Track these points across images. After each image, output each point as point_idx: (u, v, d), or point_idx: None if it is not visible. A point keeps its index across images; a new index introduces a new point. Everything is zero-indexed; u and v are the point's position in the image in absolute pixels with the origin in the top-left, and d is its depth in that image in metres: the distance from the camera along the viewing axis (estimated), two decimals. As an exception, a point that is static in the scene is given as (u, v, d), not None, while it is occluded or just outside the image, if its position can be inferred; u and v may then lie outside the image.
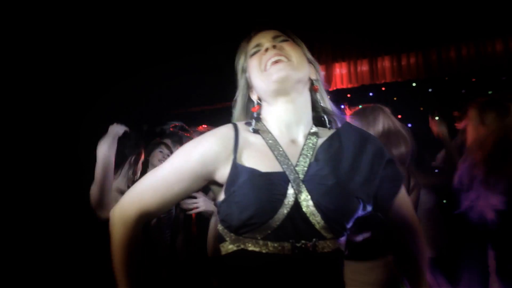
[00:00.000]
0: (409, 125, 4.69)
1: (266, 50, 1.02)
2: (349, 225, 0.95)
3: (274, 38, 1.07)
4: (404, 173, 1.09)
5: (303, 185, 0.91)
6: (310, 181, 0.92)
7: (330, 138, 1.03)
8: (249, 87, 1.11)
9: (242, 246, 0.90)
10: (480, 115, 1.84)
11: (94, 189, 1.95)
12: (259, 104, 1.08)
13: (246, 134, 1.02)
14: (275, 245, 0.87)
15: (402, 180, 1.06)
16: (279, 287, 0.87)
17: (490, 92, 4.27)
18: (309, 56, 1.10)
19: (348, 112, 2.04)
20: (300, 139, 1.02)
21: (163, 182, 0.97)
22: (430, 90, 4.77)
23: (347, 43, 4.57)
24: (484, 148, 1.77)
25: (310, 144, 1.00)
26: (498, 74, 4.30)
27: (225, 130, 1.02)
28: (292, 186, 0.90)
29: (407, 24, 4.19)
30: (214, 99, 4.89)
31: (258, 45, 1.07)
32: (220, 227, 0.97)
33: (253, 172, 0.92)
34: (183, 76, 4.66)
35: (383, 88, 4.94)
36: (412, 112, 4.76)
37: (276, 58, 1.00)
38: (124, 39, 4.17)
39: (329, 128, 1.07)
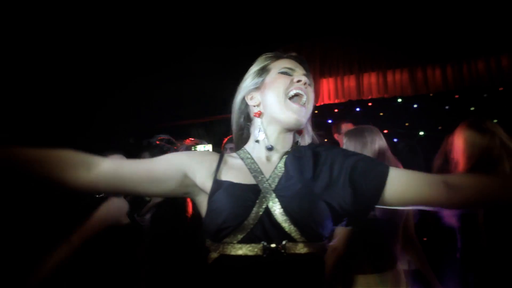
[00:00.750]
0: (395, 140, 4.77)
1: (298, 81, 1.12)
2: (321, 229, 0.98)
3: (305, 75, 1.17)
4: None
5: (273, 193, 1.01)
6: (279, 190, 1.02)
7: (293, 152, 1.13)
8: (256, 89, 1.17)
9: (222, 252, 0.99)
10: (463, 133, 1.99)
11: None
12: (258, 111, 1.17)
13: (228, 158, 1.15)
14: (249, 247, 0.96)
15: (380, 168, 1.04)
16: (255, 287, 0.94)
17: (472, 108, 4.38)
18: None
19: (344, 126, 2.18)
20: (276, 158, 1.13)
21: (151, 160, 1.10)
22: (415, 106, 4.88)
23: (334, 59, 4.64)
24: (455, 161, 1.95)
25: (283, 161, 1.10)
26: (479, 91, 4.44)
27: (213, 153, 1.17)
28: (263, 194, 1.01)
29: (393, 42, 4.30)
30: (201, 113, 4.89)
31: (291, 69, 1.16)
32: (206, 240, 1.05)
33: (228, 183, 1.04)
34: (170, 89, 4.67)
35: (370, 104, 5.03)
36: (397, 127, 4.84)
37: (301, 92, 1.11)
38: (112, 52, 4.17)
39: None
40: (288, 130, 1.14)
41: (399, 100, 4.89)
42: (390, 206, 1.05)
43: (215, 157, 1.13)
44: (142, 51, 4.34)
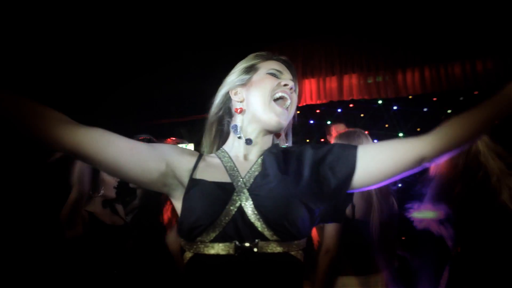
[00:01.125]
0: (375, 140, 4.85)
1: (285, 85, 1.14)
2: (295, 228, 0.97)
3: (292, 80, 1.18)
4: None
5: (247, 192, 1.00)
6: (254, 189, 1.01)
7: (269, 149, 1.13)
8: (242, 85, 1.17)
9: (195, 251, 0.98)
10: None
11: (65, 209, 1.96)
12: (241, 108, 1.16)
13: (206, 157, 1.15)
14: (222, 246, 0.95)
15: (348, 153, 1.04)
16: (227, 286, 0.94)
17: (449, 111, 4.51)
18: None
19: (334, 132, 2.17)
20: (254, 157, 1.13)
21: (136, 142, 1.06)
22: (395, 108, 4.97)
23: (316, 60, 4.68)
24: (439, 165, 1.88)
25: (260, 160, 1.10)
26: (456, 94, 4.57)
27: (192, 151, 1.17)
28: (237, 192, 1.00)
29: (374, 45, 4.38)
30: (183, 112, 4.85)
31: (279, 71, 1.17)
32: (181, 240, 1.04)
33: (203, 182, 1.03)
34: (152, 89, 4.61)
35: (351, 105, 5.09)
36: (377, 128, 4.93)
37: (287, 96, 1.13)
38: (94, 53, 4.09)
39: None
40: (268, 131, 1.14)
41: (379, 102, 4.98)
42: (371, 183, 1.04)
43: (194, 155, 1.13)
44: (124, 52, 4.27)
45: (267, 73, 1.15)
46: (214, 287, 0.95)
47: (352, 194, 1.09)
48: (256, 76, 1.16)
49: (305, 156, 1.07)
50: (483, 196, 1.74)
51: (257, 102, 1.11)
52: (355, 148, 1.05)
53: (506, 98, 0.93)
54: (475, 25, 3.90)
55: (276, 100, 1.12)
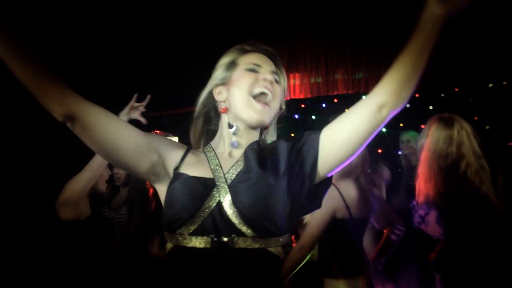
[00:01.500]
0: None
1: (265, 79, 1.11)
2: (274, 225, 0.98)
3: (272, 73, 1.15)
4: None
5: (227, 188, 1.01)
6: (234, 185, 1.02)
7: (250, 145, 1.13)
8: (223, 84, 1.16)
9: (175, 243, 1.00)
10: (429, 129, 1.95)
11: (76, 185, 1.91)
12: (223, 107, 1.16)
13: (193, 152, 1.15)
14: (199, 239, 0.97)
15: (311, 138, 1.06)
16: (203, 279, 0.96)
17: (431, 107, 4.60)
18: None
19: None
20: (238, 154, 1.12)
21: (134, 127, 1.08)
22: (378, 103, 5.04)
23: (301, 55, 4.69)
24: (423, 158, 1.90)
25: (243, 157, 1.10)
26: (437, 91, 4.67)
27: (181, 145, 1.18)
28: (217, 188, 1.01)
29: (359, 40, 4.42)
30: (168, 105, 4.81)
31: (258, 65, 1.14)
32: (164, 231, 1.06)
33: (185, 176, 1.04)
34: (137, 81, 4.56)
35: (335, 100, 5.13)
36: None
37: (268, 91, 1.10)
38: (82, 46, 4.01)
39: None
40: (252, 128, 1.14)
41: (364, 97, 5.04)
42: (347, 154, 1.03)
43: (182, 148, 1.14)
44: (112, 43, 4.20)
45: (245, 69, 1.13)
46: (192, 279, 0.96)
47: (330, 180, 1.09)
48: (235, 74, 1.14)
49: (279, 150, 1.08)
50: (465, 187, 1.76)
51: (237, 101, 1.11)
52: (319, 131, 1.06)
53: (428, 22, 0.99)
54: (457, 24, 3.97)
55: (256, 96, 1.10)
